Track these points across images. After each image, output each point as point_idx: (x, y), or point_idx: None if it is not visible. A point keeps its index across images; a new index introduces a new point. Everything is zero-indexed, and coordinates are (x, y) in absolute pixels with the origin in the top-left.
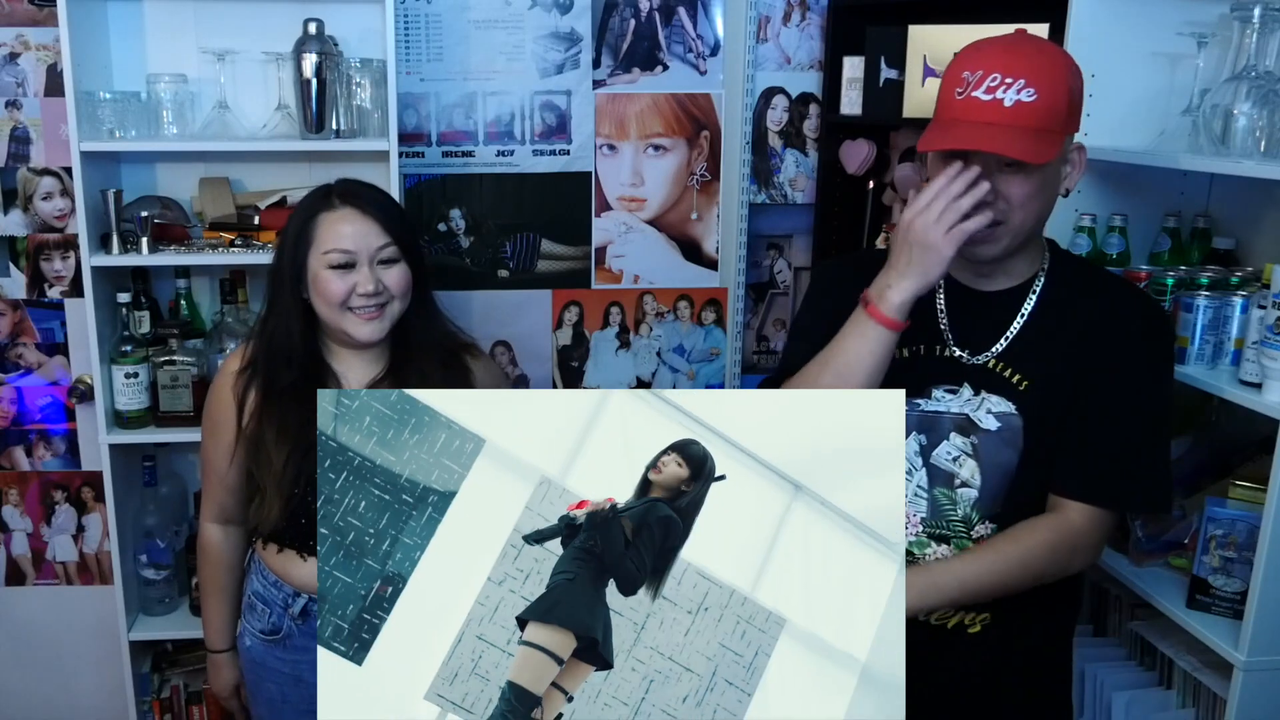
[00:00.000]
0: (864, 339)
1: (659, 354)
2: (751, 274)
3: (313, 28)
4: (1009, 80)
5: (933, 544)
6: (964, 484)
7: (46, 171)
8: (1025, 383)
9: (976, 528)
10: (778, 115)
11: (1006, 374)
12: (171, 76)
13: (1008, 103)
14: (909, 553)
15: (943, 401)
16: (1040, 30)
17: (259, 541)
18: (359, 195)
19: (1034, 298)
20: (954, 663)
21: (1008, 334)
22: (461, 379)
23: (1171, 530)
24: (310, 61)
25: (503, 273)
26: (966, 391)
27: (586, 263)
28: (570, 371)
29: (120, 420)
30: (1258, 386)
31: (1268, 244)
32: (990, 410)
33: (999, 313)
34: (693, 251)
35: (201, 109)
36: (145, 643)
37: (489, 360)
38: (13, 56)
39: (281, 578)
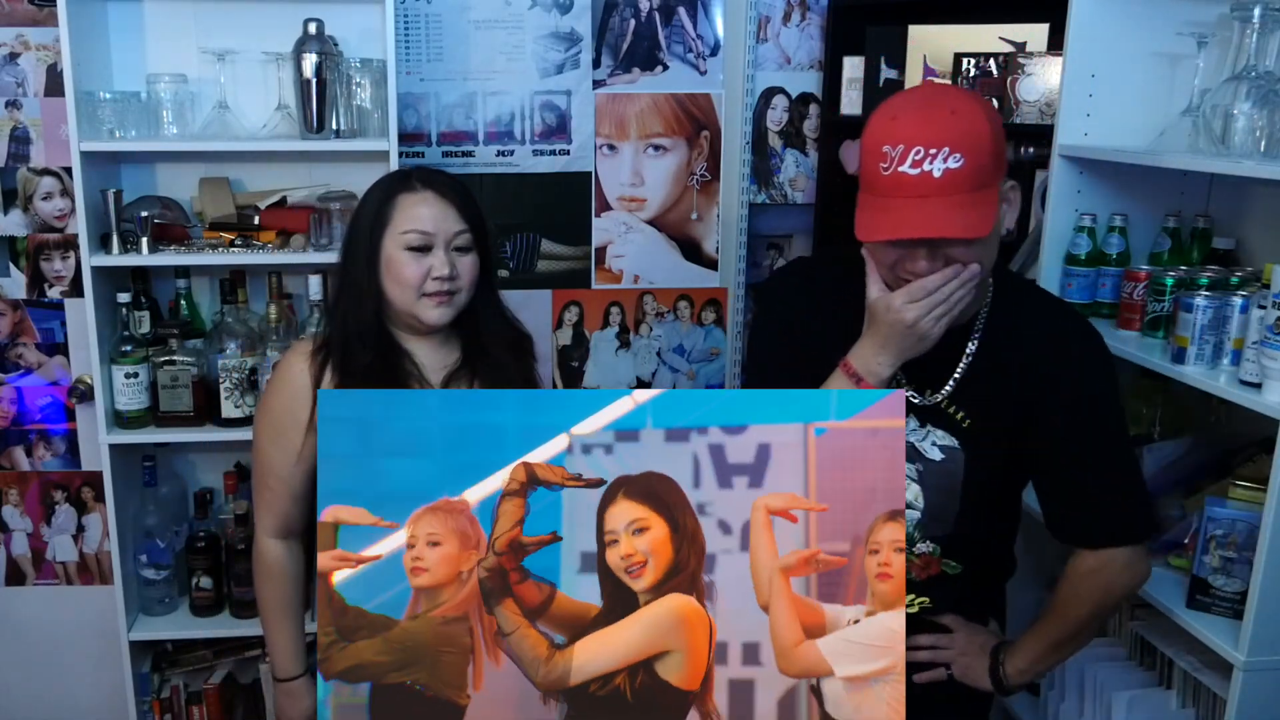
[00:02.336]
0: None
1: (659, 354)
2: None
3: (313, 28)
4: (933, 151)
5: None
6: (908, 506)
7: (46, 171)
8: (968, 421)
9: (918, 545)
10: (778, 115)
11: (951, 410)
12: (171, 76)
13: (937, 174)
14: None
15: None
16: (1040, 31)
17: None
18: (438, 180)
19: (978, 336)
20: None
21: (955, 375)
22: (529, 370)
23: (1171, 530)
24: (310, 61)
25: (503, 273)
26: (912, 422)
27: (586, 263)
28: (570, 371)
29: (120, 420)
30: (1258, 386)
31: (1268, 244)
32: (935, 443)
33: (947, 352)
34: (693, 251)
35: (201, 109)
36: (145, 643)
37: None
38: (13, 56)
39: None
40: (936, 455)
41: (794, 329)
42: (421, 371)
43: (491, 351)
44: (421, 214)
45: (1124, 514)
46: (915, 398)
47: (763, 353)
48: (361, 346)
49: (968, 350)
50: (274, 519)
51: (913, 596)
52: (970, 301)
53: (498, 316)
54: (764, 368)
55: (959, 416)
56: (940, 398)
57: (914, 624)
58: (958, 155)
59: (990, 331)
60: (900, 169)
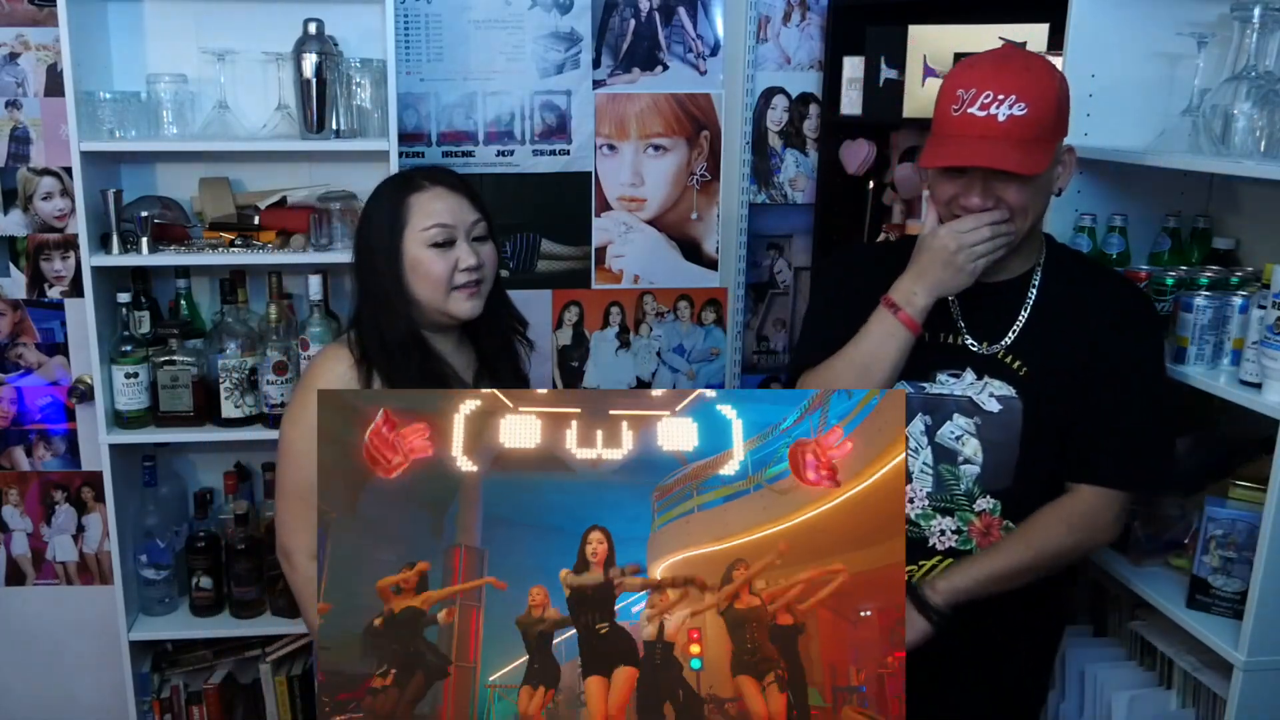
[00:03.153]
0: (891, 339)
1: (659, 354)
2: (751, 274)
3: (313, 28)
4: (1001, 96)
5: (938, 516)
6: (967, 461)
7: (46, 171)
8: (1025, 369)
9: (978, 501)
10: (778, 115)
11: (1007, 360)
12: (171, 76)
13: (1001, 117)
14: (915, 524)
15: (946, 385)
16: (1040, 31)
17: None
18: (443, 175)
19: (1035, 289)
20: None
21: (1015, 326)
22: (518, 358)
23: (1171, 530)
24: (310, 61)
25: (503, 273)
26: (969, 375)
27: (586, 263)
28: (570, 371)
29: (120, 420)
30: (1258, 386)
31: (1268, 244)
32: (993, 394)
33: (1005, 304)
34: (693, 251)
35: (201, 109)
36: (145, 643)
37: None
38: (13, 56)
39: None
40: (994, 407)
41: (850, 299)
42: (456, 372)
43: (508, 345)
44: (438, 208)
45: (1133, 459)
46: (975, 346)
47: (823, 322)
48: (406, 357)
49: (1027, 301)
50: (312, 538)
51: None
52: (1020, 257)
53: (504, 308)
54: (817, 322)
55: (1016, 366)
56: (1000, 348)
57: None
58: (1022, 104)
59: (1047, 286)
60: (969, 110)
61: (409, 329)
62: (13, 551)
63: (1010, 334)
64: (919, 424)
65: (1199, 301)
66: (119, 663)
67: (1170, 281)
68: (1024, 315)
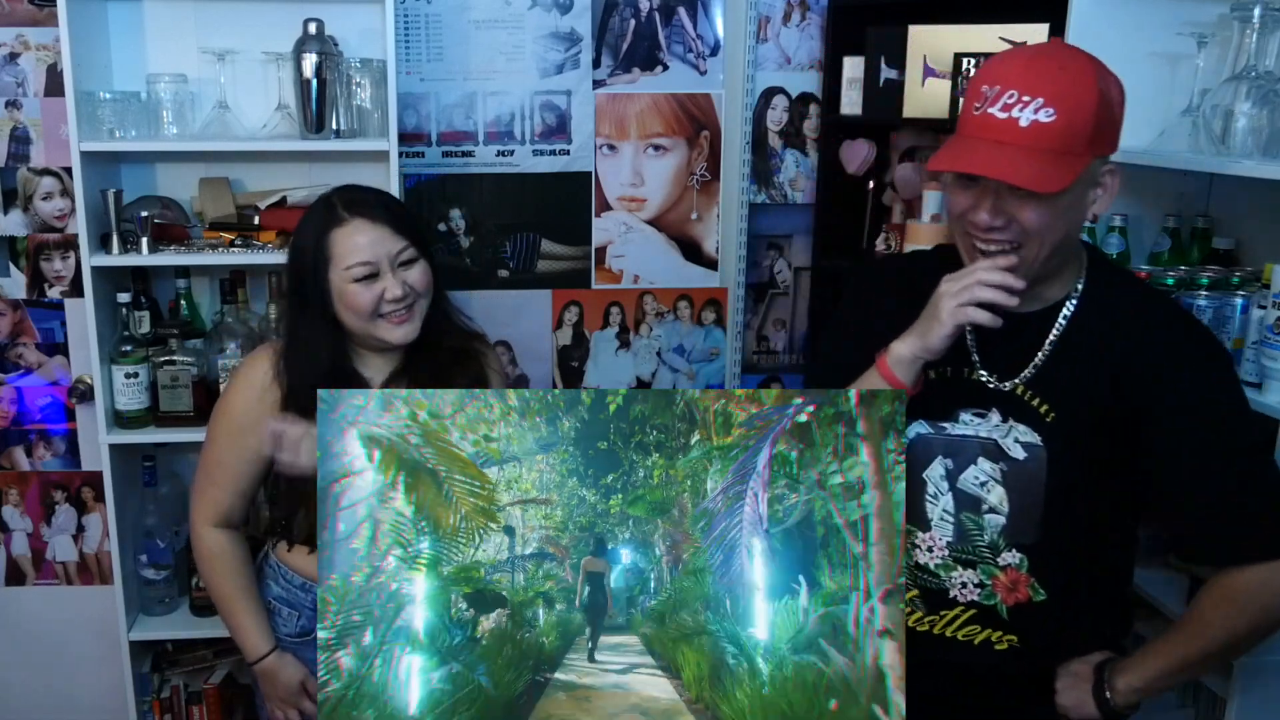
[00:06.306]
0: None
1: (659, 354)
2: (751, 274)
3: (313, 28)
4: (1026, 99)
5: (959, 568)
6: (991, 510)
7: (46, 171)
8: (1052, 414)
9: (1003, 554)
10: (778, 115)
11: (1034, 403)
12: (171, 76)
13: (1023, 123)
14: (935, 574)
15: (970, 425)
16: (1040, 31)
17: (276, 545)
18: (364, 202)
19: (1064, 321)
20: (974, 681)
21: (1035, 361)
22: (476, 368)
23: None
24: (310, 61)
25: (503, 273)
26: (995, 417)
27: (586, 263)
28: (570, 371)
29: (120, 420)
30: (1258, 386)
31: (1268, 244)
32: (1018, 439)
33: (1028, 336)
34: (693, 251)
35: (201, 109)
36: (145, 643)
37: (494, 352)
38: (13, 56)
39: (310, 578)
40: (1020, 454)
41: (872, 323)
42: (369, 385)
43: (429, 354)
44: (359, 244)
45: (1264, 524)
46: (990, 382)
47: (834, 340)
48: (312, 369)
49: (1051, 335)
50: (216, 510)
51: (1000, 634)
52: (1055, 284)
53: (443, 320)
54: (829, 355)
55: (1042, 410)
56: (1017, 383)
57: (997, 674)
58: (1050, 110)
59: (1080, 318)
60: (990, 110)
61: (330, 359)
62: (13, 551)
63: (1030, 368)
64: (939, 467)
65: (1199, 302)
66: (119, 663)
67: (1170, 281)
68: (1047, 348)
